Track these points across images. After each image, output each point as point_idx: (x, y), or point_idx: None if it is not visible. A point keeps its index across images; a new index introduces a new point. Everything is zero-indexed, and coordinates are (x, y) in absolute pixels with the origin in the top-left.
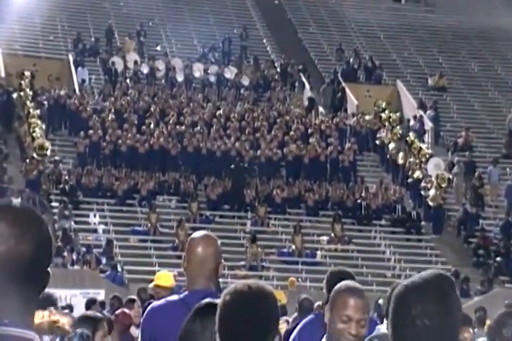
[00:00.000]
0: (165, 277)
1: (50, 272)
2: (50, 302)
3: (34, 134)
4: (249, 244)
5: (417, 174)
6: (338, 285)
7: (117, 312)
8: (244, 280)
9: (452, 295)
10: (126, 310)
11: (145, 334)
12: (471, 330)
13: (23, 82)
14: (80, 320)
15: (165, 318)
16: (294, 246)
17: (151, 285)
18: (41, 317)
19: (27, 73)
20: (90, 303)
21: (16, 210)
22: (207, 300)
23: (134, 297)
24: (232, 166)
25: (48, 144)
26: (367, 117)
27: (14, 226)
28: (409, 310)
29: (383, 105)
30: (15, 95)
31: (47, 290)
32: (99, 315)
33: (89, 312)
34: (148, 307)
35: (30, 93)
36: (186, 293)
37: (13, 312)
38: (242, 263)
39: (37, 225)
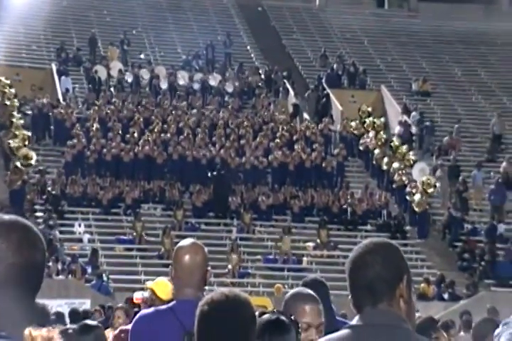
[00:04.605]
0: (166, 288)
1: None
2: (44, 315)
3: (18, 144)
4: (230, 252)
5: (401, 178)
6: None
7: (123, 328)
8: (230, 287)
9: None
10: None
11: None
12: (445, 335)
13: (6, 91)
14: (81, 329)
15: (153, 327)
16: (279, 252)
17: (149, 284)
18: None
19: (4, 81)
20: (73, 314)
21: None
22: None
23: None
24: (214, 173)
25: (32, 154)
26: (352, 123)
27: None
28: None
29: (369, 109)
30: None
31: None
32: (99, 324)
33: (90, 321)
34: (137, 316)
35: (16, 103)
36: (174, 302)
37: (9, 322)
38: (228, 270)
39: (22, 230)
